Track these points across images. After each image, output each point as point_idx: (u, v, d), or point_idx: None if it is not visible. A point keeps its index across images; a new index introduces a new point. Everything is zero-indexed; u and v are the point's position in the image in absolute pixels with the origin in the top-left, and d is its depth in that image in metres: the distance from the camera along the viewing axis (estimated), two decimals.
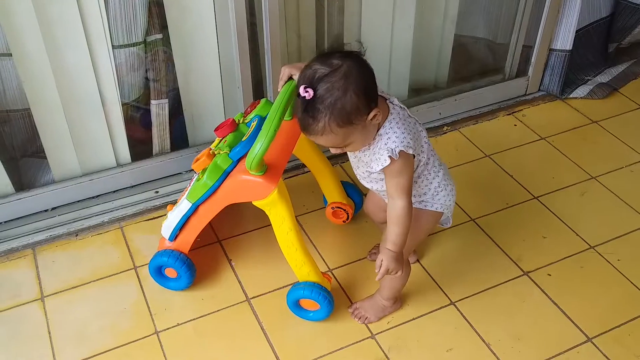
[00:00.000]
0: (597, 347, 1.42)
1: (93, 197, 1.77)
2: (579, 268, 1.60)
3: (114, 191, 1.79)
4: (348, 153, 1.30)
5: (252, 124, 1.43)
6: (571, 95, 2.22)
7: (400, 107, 1.24)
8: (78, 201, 1.75)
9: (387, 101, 1.22)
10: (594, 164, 1.93)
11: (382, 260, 1.24)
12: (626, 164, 1.93)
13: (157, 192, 1.80)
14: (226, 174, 1.37)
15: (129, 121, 1.75)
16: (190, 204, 1.41)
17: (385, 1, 1.89)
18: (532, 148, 2.01)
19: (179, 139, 1.86)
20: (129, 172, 1.79)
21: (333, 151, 1.21)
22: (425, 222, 1.36)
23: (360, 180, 1.35)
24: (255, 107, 1.50)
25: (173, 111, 1.80)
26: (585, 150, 1.99)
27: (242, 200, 1.38)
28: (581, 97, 2.22)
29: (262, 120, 1.43)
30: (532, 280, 1.56)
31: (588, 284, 1.56)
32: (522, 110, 2.18)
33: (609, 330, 1.45)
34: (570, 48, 2.13)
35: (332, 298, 1.44)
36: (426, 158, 1.28)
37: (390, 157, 1.17)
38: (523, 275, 1.58)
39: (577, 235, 1.69)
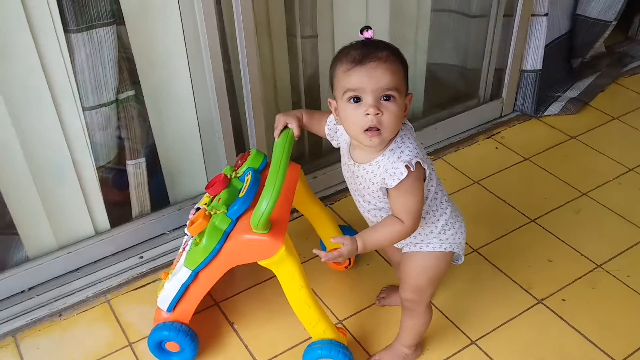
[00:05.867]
0: None
1: (73, 271, 1.63)
2: (591, 289, 1.57)
3: (95, 262, 1.66)
4: (349, 188, 1.24)
5: (246, 177, 1.35)
6: (545, 113, 2.24)
7: (410, 126, 1.20)
8: (57, 277, 1.61)
9: None
10: (581, 180, 1.92)
11: (344, 246, 1.15)
12: (613, 176, 1.94)
13: (141, 257, 1.68)
14: (226, 235, 1.27)
15: (104, 185, 1.64)
16: (190, 271, 1.30)
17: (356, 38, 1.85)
18: (518, 170, 2.00)
19: (159, 198, 1.75)
20: (109, 240, 1.66)
21: (372, 111, 1.07)
22: (437, 266, 1.27)
23: (362, 213, 1.27)
24: (245, 159, 1.42)
25: (150, 169, 1.69)
26: (570, 167, 1.99)
27: (247, 261, 1.29)
28: (555, 114, 2.23)
29: (256, 173, 1.35)
30: (548, 307, 1.52)
31: (603, 305, 1.53)
32: (500, 132, 2.17)
33: (636, 351, 1.41)
34: (541, 67, 2.15)
35: (352, 354, 1.35)
36: (434, 191, 1.21)
37: (407, 166, 1.09)
38: (538, 303, 1.53)
39: (582, 255, 1.66)
